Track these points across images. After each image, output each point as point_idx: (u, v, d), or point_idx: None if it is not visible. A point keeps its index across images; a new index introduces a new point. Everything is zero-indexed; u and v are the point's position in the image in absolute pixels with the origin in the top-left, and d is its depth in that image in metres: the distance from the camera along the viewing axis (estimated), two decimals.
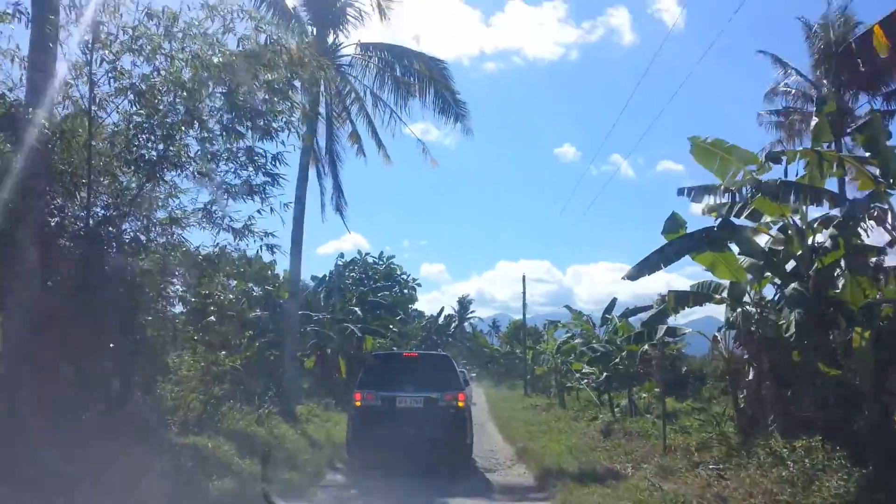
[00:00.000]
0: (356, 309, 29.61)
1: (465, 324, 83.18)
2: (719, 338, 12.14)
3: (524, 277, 45.02)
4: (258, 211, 12.75)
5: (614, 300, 24.84)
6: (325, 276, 30.81)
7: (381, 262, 46.24)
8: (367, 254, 45.55)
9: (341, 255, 31.43)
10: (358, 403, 11.31)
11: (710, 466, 10.04)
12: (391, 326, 33.63)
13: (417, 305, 67.78)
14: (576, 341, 24.83)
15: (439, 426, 10.88)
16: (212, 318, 26.49)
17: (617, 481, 10.05)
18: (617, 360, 18.42)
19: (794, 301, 8.44)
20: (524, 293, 44.71)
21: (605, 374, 18.23)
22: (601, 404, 22.28)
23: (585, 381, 25.06)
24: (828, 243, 8.79)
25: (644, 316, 15.93)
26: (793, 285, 8.75)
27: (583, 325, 24.57)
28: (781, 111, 29.61)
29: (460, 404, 11.34)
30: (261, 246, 12.63)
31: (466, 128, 18.34)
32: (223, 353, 25.52)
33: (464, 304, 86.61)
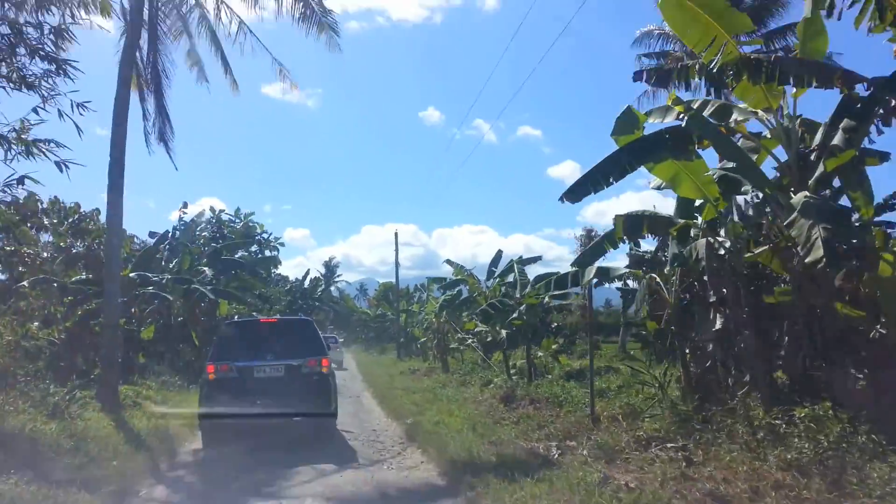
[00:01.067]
0: (206, 269, 25.26)
1: (333, 288, 79.47)
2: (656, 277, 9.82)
3: (396, 234, 42.20)
4: (35, 110, 8.88)
5: (500, 252, 22.54)
6: (167, 231, 26.06)
7: (237, 220, 41.46)
8: (221, 211, 40.65)
9: (185, 205, 26.75)
10: (211, 376, 10.28)
11: (668, 445, 7.63)
12: (252, 289, 29.50)
13: (282, 270, 63.28)
14: (462, 297, 22.32)
15: (303, 395, 10.17)
16: (23, 283, 21.45)
17: (549, 470, 7.40)
18: (515, 315, 16.01)
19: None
20: (396, 251, 41.90)
21: (503, 331, 15.74)
22: (490, 366, 20.00)
23: (470, 340, 22.69)
24: (838, 141, 6.46)
25: (535, 269, 13.46)
26: (802, 195, 6.34)
27: (468, 279, 22.05)
28: (657, 53, 28.33)
29: (324, 370, 10.63)
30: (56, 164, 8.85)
31: (333, 41, 14.78)
32: (36, 324, 20.84)
33: (330, 267, 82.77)
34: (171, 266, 24.55)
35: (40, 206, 18.88)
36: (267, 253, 43.13)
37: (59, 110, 8.90)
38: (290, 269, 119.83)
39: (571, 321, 25.24)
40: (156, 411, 13.76)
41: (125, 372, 19.84)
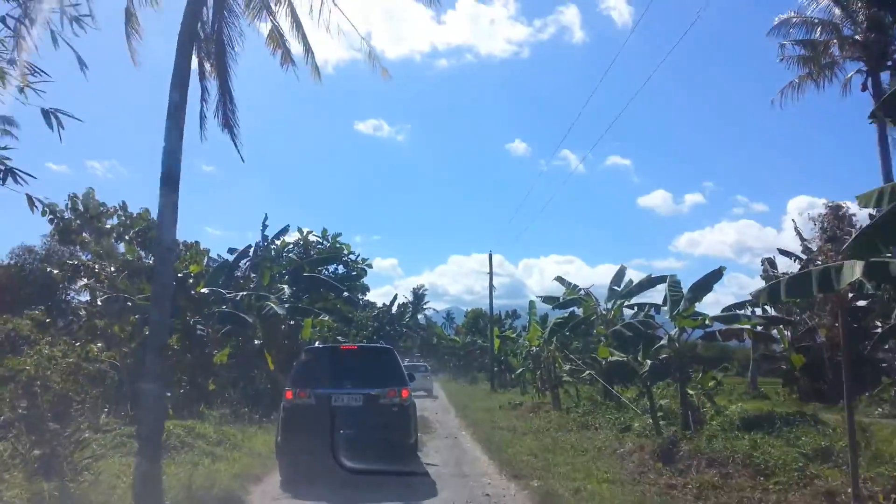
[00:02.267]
0: (285, 287, 22.75)
1: (420, 315, 76.89)
2: None
3: (490, 256, 38.73)
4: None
5: (623, 269, 18.76)
6: (248, 246, 23.81)
7: (325, 242, 39.39)
8: (309, 232, 38.70)
9: (266, 218, 24.41)
10: (289, 403, 9.96)
11: None
12: (337, 305, 26.82)
13: (370, 298, 61.31)
14: (576, 320, 18.66)
15: (380, 425, 9.76)
16: (89, 299, 19.41)
17: None
18: (663, 341, 12.28)
19: None
20: (490, 274, 38.44)
21: (647, 361, 11.97)
22: (618, 405, 16.21)
23: (586, 372, 18.90)
24: None
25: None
26: None
27: (584, 300, 18.40)
28: (805, 41, 24.09)
29: (404, 401, 10.13)
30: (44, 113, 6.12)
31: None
32: (99, 345, 18.69)
33: (418, 294, 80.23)
34: (250, 284, 22.17)
35: (101, 209, 16.80)
36: (354, 275, 41.00)
37: (51, 31, 6.13)
38: (377, 297, 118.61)
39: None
40: (214, 452, 10.90)
41: (193, 401, 17.39)
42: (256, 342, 21.49)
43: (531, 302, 23.05)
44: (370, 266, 39.68)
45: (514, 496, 8.72)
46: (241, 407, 16.88)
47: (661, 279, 17.30)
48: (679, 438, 10.05)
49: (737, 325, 11.91)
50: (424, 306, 79.35)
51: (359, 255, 39.34)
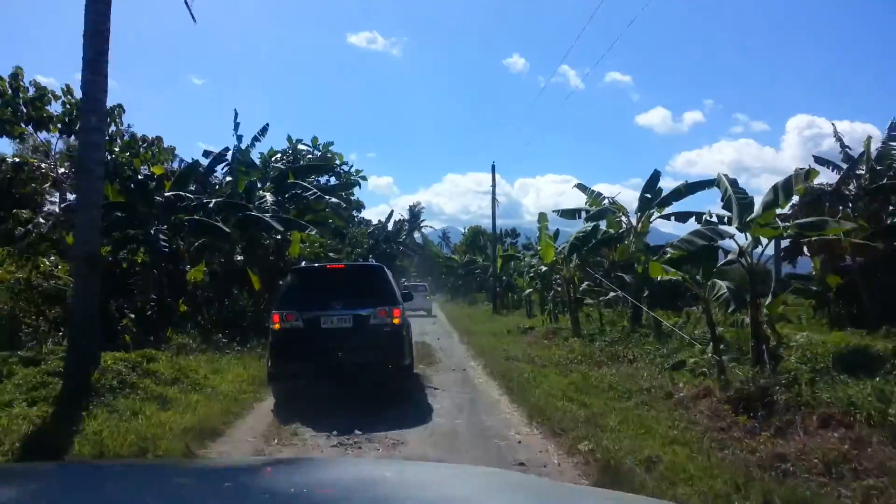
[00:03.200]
0: (267, 195, 20.00)
1: (417, 234, 74.46)
2: None
3: (493, 167, 35.72)
4: None
5: (657, 174, 16.02)
6: (225, 149, 20.74)
7: (316, 151, 36.31)
8: (298, 140, 35.57)
9: (236, 115, 20.93)
10: (276, 326, 9.46)
11: None
12: (328, 220, 24.16)
13: (365, 215, 58.68)
14: (601, 235, 16.08)
15: (372, 347, 9.35)
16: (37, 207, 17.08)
17: None
18: (731, 256, 9.79)
19: None
20: (493, 186, 35.56)
21: (719, 282, 9.39)
22: (639, 330, 13.96)
23: (611, 295, 16.50)
24: None
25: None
26: None
27: (614, 209, 15.75)
28: None
29: (395, 321, 9.63)
30: None
31: None
32: (52, 258, 16.28)
33: (415, 212, 77.47)
34: (226, 187, 19.42)
35: (42, 92, 13.80)
36: (348, 186, 38.15)
37: None
38: (373, 215, 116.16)
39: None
40: (167, 392, 8.54)
41: (160, 325, 15.02)
42: (238, 258, 19.05)
43: (541, 215, 20.39)
44: (364, 178, 36.84)
45: (560, 466, 6.34)
46: (214, 332, 14.51)
47: (707, 183, 14.64)
48: (763, 382, 7.64)
49: (825, 235, 9.40)
50: (421, 224, 76.93)
51: (352, 165, 36.41)
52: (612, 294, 16.03)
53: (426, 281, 63.40)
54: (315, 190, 21.92)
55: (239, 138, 21.16)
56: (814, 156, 24.93)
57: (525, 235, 71.63)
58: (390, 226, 58.94)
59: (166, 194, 15.80)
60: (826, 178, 19.83)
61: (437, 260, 65.48)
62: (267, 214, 16.65)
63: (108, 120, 13.79)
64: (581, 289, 18.32)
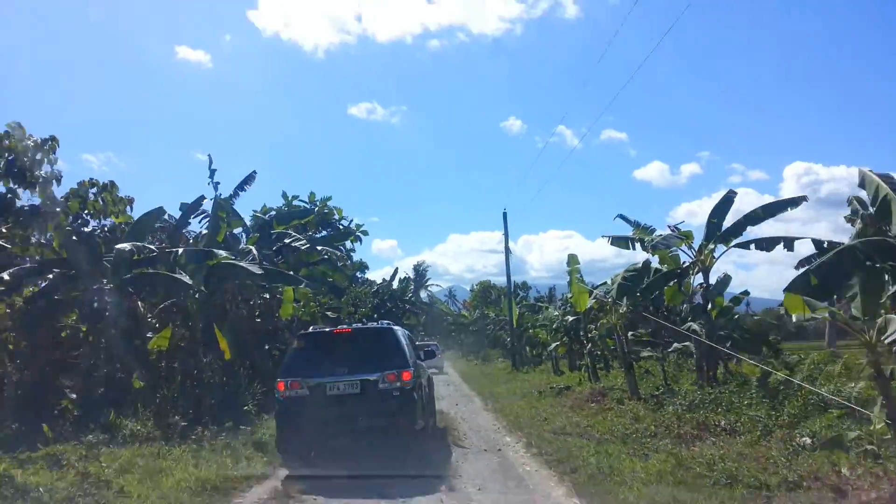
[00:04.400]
0: (251, 248, 16.89)
1: (423, 293, 71.12)
2: None
3: (505, 215, 32.67)
4: None
5: (732, 194, 12.91)
6: (202, 198, 17.67)
7: (313, 207, 33.41)
8: (293, 196, 32.68)
9: (211, 162, 17.77)
10: (281, 395, 9.15)
11: None
12: (326, 274, 21.01)
13: (369, 276, 55.63)
14: (657, 274, 12.83)
15: (381, 412, 8.86)
16: None
17: None
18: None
19: None
20: (506, 235, 32.42)
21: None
22: (732, 388, 10.55)
23: (668, 347, 13.12)
24: None
25: None
26: None
27: (683, 236, 12.55)
28: None
29: (406, 383, 9.10)
30: None
31: None
32: None
33: (419, 271, 74.50)
34: (200, 240, 16.31)
35: None
36: (348, 243, 35.14)
37: None
38: (377, 277, 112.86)
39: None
40: None
41: (111, 405, 11.68)
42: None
43: (572, 256, 17.20)
44: (366, 233, 33.76)
45: None
46: (171, 414, 11.12)
47: (793, 202, 11.50)
48: None
49: None
50: (427, 283, 73.68)
51: (352, 220, 33.44)
52: (676, 345, 12.63)
53: (434, 339, 59.78)
54: (306, 240, 18.86)
55: (216, 185, 18.20)
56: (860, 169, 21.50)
57: (536, 290, 68.47)
58: (395, 284, 55.70)
59: (118, 247, 12.66)
60: None
61: (446, 317, 61.89)
62: (243, 261, 13.43)
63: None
64: (630, 339, 14.92)
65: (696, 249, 12.66)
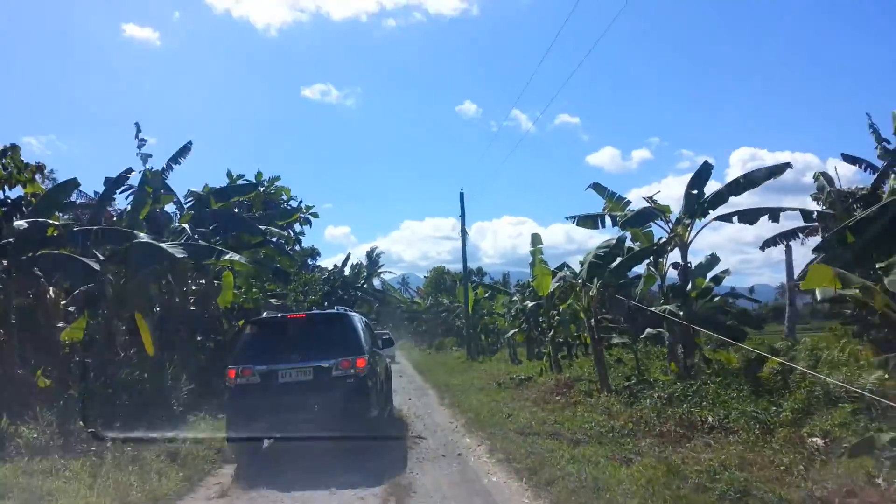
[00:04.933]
0: (185, 227, 15.14)
1: (376, 280, 69.42)
2: None
3: (462, 194, 31.30)
4: None
5: (708, 165, 11.86)
6: (128, 170, 15.77)
7: (259, 186, 31.41)
8: (238, 175, 30.58)
9: (139, 130, 15.99)
10: (232, 382, 8.86)
11: None
12: (271, 256, 19.32)
13: (322, 265, 53.83)
14: (631, 252, 11.68)
15: (334, 400, 8.59)
16: None
17: None
18: None
19: None
20: (462, 216, 31.08)
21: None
22: (714, 380, 9.49)
23: (640, 333, 12.04)
24: None
25: None
26: None
27: (659, 211, 11.39)
28: None
29: (360, 370, 8.91)
30: None
31: None
32: None
33: (372, 257, 72.59)
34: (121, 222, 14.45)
35: None
36: (297, 227, 33.33)
37: None
38: (330, 265, 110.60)
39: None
40: None
41: (4, 409, 9.91)
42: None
43: (535, 236, 16.06)
44: (316, 215, 31.99)
45: None
46: (74, 420, 9.44)
47: (778, 169, 10.49)
48: None
49: None
50: (379, 270, 71.98)
51: (302, 201, 31.60)
52: (649, 330, 11.54)
53: (387, 328, 58.29)
54: (246, 219, 17.16)
55: (145, 158, 16.33)
56: (842, 154, 20.96)
57: (490, 276, 67.57)
58: (347, 270, 54.00)
59: (16, 223, 10.83)
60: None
61: (400, 305, 60.41)
62: (165, 242, 11.73)
63: None
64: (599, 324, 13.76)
65: (674, 223, 11.55)
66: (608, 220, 12.26)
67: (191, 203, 16.75)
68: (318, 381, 8.75)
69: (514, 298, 24.11)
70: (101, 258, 11.40)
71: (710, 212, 11.15)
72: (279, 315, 11.41)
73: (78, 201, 16.12)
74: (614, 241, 12.04)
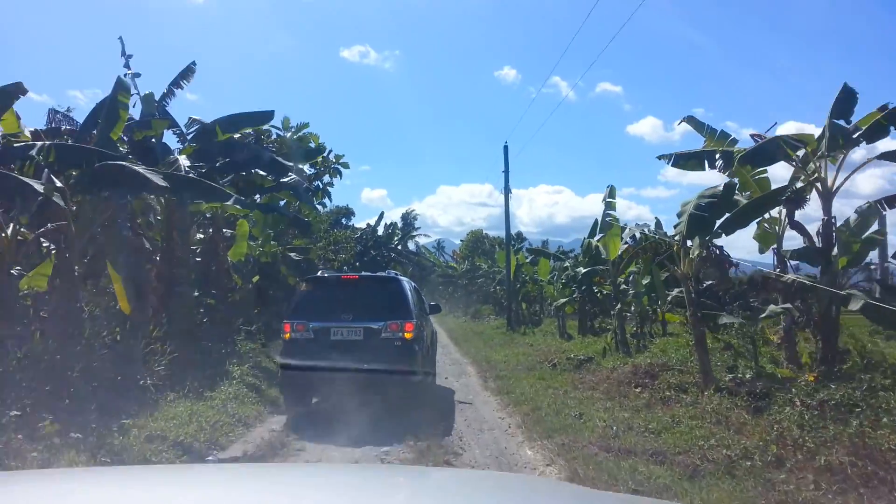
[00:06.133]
0: (180, 159, 12.49)
1: (410, 243, 66.79)
2: None
3: (506, 148, 28.07)
4: None
5: (851, 91, 8.57)
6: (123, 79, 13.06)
7: (286, 133, 28.73)
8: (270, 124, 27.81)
9: (124, 49, 13.31)
10: (287, 336, 9.32)
11: None
12: (288, 203, 16.75)
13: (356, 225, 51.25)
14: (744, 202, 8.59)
15: (381, 361, 8.69)
16: None
17: None
18: None
19: None
20: (506, 172, 27.89)
21: None
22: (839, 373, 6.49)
23: (745, 315, 8.97)
24: None
25: None
26: None
27: (801, 140, 8.25)
28: None
29: (407, 335, 9.12)
30: None
31: None
32: None
33: (408, 219, 69.88)
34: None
35: None
36: (327, 179, 30.70)
37: None
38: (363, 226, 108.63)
39: None
40: None
41: None
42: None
43: (611, 188, 13.02)
44: (346, 166, 29.33)
45: None
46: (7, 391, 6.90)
47: None
48: None
49: None
50: (415, 233, 69.30)
51: (331, 150, 28.82)
52: (773, 307, 8.46)
53: (423, 291, 55.78)
54: (261, 153, 14.41)
55: (134, 77, 13.59)
56: None
57: (528, 243, 64.41)
58: (380, 230, 51.46)
59: None
60: None
61: (435, 268, 57.80)
62: (140, 166, 8.99)
63: None
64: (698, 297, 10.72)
65: (811, 162, 8.34)
66: (718, 161, 9.10)
67: (194, 133, 14.04)
68: (367, 342, 8.98)
69: (567, 264, 21.07)
70: (59, 185, 8.76)
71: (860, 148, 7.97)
72: (335, 275, 11.48)
73: (63, 128, 13.55)
74: (721, 188, 8.93)
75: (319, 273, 11.86)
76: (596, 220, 13.62)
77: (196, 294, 12.73)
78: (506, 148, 28.12)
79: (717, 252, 8.75)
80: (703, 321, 8.92)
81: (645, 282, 13.37)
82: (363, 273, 12.87)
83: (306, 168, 28.85)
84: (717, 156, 8.93)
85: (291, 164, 14.91)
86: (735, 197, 9.37)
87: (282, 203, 17.36)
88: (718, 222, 8.73)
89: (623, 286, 14.12)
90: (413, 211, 62.20)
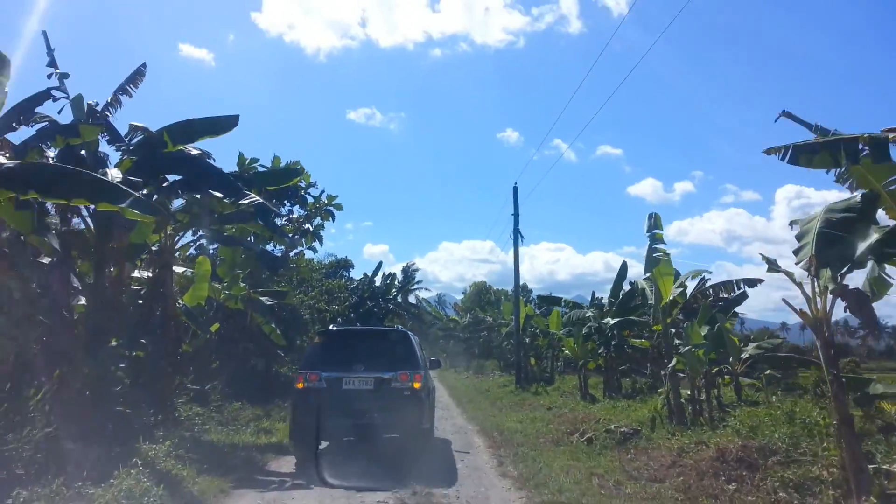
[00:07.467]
0: (115, 173, 9.65)
1: (410, 296, 63.58)
2: None
3: (515, 189, 25.30)
4: None
5: None
6: (47, 91, 10.42)
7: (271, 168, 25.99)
8: (252, 159, 25.14)
9: (45, 37, 10.93)
10: (300, 385, 9.45)
11: None
12: (259, 237, 13.93)
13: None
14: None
15: (391, 409, 9.04)
16: None
17: None
18: None
19: None
20: (515, 215, 25.03)
21: None
22: None
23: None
24: None
25: None
26: None
27: None
28: None
29: (416, 385, 9.38)
30: None
31: None
32: None
33: (408, 273, 66.94)
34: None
35: None
36: (318, 221, 27.84)
37: None
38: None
39: None
40: None
41: None
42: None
43: (654, 216, 10.22)
44: (340, 207, 26.38)
45: None
46: None
47: None
48: None
49: None
50: (414, 287, 66.17)
51: (323, 190, 26.04)
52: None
53: (422, 345, 52.23)
54: (219, 170, 11.54)
55: (62, 77, 10.89)
56: None
57: (534, 295, 61.23)
58: (378, 281, 48.41)
59: None
60: None
61: (435, 322, 54.49)
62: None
63: None
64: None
65: None
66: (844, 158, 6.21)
67: (137, 142, 11.22)
68: (377, 391, 9.16)
69: (589, 314, 17.99)
70: None
71: None
72: (348, 328, 12.11)
73: None
74: (857, 199, 6.03)
75: (331, 327, 12.35)
76: (624, 262, 10.96)
77: (114, 344, 9.59)
78: (515, 189, 25.44)
79: (854, 290, 5.73)
80: (843, 387, 5.78)
81: (703, 332, 10.32)
82: (374, 327, 12.14)
83: (296, 210, 26.14)
84: (861, 145, 5.95)
85: (259, 194, 12.00)
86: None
87: (250, 239, 14.43)
88: (862, 247, 5.71)
89: (676, 340, 11.03)
90: (414, 264, 59.13)
